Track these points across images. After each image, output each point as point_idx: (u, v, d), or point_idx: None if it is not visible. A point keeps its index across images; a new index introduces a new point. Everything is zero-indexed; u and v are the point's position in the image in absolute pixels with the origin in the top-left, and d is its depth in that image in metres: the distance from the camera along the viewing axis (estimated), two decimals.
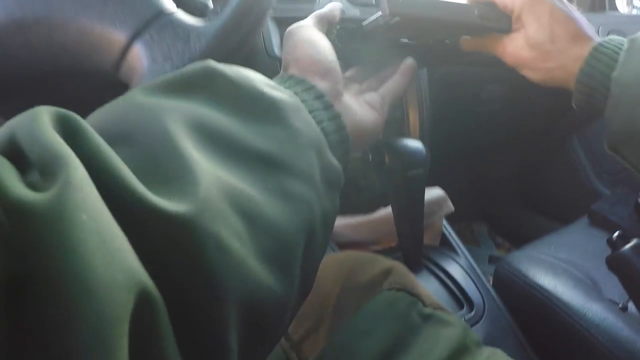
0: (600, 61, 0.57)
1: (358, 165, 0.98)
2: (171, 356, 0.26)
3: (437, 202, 1.02)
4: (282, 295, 0.34)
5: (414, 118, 1.07)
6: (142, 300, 0.24)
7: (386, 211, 1.00)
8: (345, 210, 1.03)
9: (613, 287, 1.00)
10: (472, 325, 0.86)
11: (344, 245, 1.01)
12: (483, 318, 0.88)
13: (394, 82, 0.63)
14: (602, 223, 1.23)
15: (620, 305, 0.94)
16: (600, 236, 1.18)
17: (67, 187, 0.24)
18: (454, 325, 0.61)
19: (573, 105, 0.62)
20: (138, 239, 0.26)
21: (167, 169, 0.31)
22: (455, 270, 0.96)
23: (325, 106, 0.47)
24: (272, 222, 0.34)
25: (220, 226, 0.30)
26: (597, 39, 0.60)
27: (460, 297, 0.91)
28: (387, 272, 0.66)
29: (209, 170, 0.32)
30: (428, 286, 0.90)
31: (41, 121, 0.27)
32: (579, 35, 0.60)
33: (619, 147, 0.57)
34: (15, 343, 0.21)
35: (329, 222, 0.42)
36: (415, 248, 0.93)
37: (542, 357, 0.88)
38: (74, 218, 0.23)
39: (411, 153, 0.87)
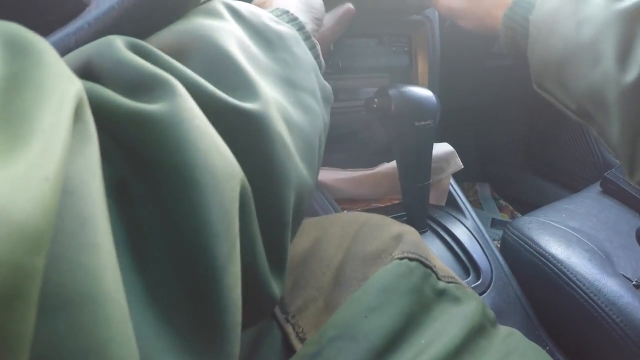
0: (521, 6, 0.65)
1: (360, 114, 0.90)
2: (256, 230, 0.33)
3: (446, 159, 0.94)
4: (311, 185, 0.42)
5: (422, 66, 0.99)
6: (242, 186, 0.30)
7: (389, 166, 0.93)
8: (345, 164, 0.95)
9: (626, 262, 0.93)
10: (479, 295, 0.79)
11: (343, 201, 0.93)
12: (490, 287, 0.81)
13: (329, 30, 0.68)
14: (615, 192, 1.16)
15: (633, 282, 0.87)
16: (612, 205, 1.12)
17: (179, 98, 0.27)
18: (470, 301, 0.54)
19: (503, 48, 0.70)
20: (224, 135, 0.30)
21: (231, 79, 0.35)
22: (461, 233, 0.89)
23: (306, 37, 0.53)
24: (300, 127, 0.41)
25: (280, 126, 0.36)
26: None
27: (467, 263, 0.84)
28: (398, 238, 0.58)
29: (261, 82, 0.37)
30: (433, 249, 0.83)
31: (120, 47, 0.29)
32: None
33: (542, 82, 0.65)
34: (136, 232, 0.25)
35: (326, 131, 0.49)
36: (420, 207, 0.87)
37: (549, 332, 0.82)
38: (190, 122, 0.27)
39: (421, 101, 0.80)
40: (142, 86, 0.28)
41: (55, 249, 0.17)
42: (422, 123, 0.79)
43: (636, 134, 0.52)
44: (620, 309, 0.77)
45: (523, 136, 1.79)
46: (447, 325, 0.50)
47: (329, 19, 0.68)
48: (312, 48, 0.53)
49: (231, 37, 0.39)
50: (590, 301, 0.79)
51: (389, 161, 0.94)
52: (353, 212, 0.69)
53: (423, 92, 0.81)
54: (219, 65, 0.35)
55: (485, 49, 1.29)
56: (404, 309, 0.49)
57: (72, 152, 0.20)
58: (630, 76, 0.51)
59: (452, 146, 0.98)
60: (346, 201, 0.94)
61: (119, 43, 0.30)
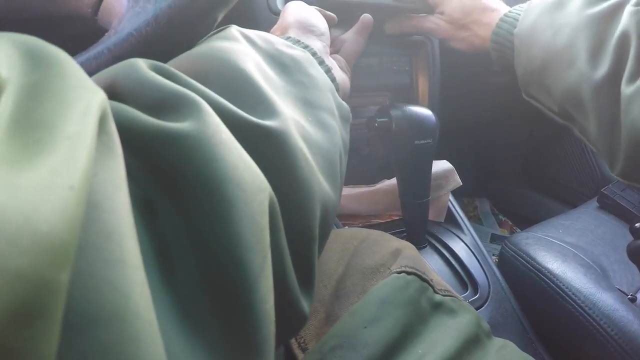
0: (506, 22, 0.72)
1: (361, 132, 0.93)
2: (284, 245, 0.33)
3: (445, 176, 0.97)
4: (335, 200, 0.43)
5: (423, 85, 1.02)
6: (271, 200, 0.30)
7: (390, 183, 0.95)
8: (346, 181, 0.97)
9: (622, 276, 0.95)
10: (476, 309, 0.81)
11: (344, 217, 0.96)
12: (487, 301, 0.83)
13: (352, 42, 0.73)
14: (612, 208, 1.18)
15: (629, 296, 0.89)
16: (609, 221, 1.14)
17: (205, 115, 0.28)
18: (465, 314, 0.56)
19: (493, 64, 0.79)
20: (247, 152, 0.31)
21: (250, 98, 0.36)
22: (460, 249, 0.91)
23: (320, 61, 0.55)
24: (320, 145, 0.42)
25: (300, 143, 0.37)
26: (504, 9, 0.76)
27: (464, 278, 0.86)
28: (396, 253, 0.60)
29: (279, 101, 0.38)
30: (431, 265, 0.86)
31: (143, 69, 0.30)
32: (486, 8, 0.77)
33: (528, 89, 0.71)
34: (164, 248, 0.24)
35: (346, 149, 0.51)
36: (419, 223, 0.89)
37: (545, 346, 0.84)
38: (218, 137, 0.28)
39: (420, 120, 0.82)
40: (168, 105, 0.28)
41: (79, 264, 0.17)
42: (422, 142, 0.82)
43: (611, 126, 0.57)
44: (615, 322, 0.79)
45: (522, 152, 1.80)
46: (443, 336, 0.52)
47: (350, 32, 0.75)
48: (327, 72, 0.55)
49: (248, 58, 0.40)
50: (586, 315, 0.81)
51: (389, 178, 0.96)
52: (353, 228, 0.71)
53: (423, 112, 0.83)
54: (237, 85, 0.36)
55: (485, 66, 1.31)
56: (402, 320, 0.52)
57: (95, 164, 0.19)
58: (600, 72, 0.57)
59: (452, 162, 1.00)
60: (347, 217, 0.96)
61: (141, 64, 0.31)
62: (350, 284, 0.57)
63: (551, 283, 0.87)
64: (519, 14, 0.72)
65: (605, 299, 0.83)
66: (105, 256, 0.18)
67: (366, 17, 0.74)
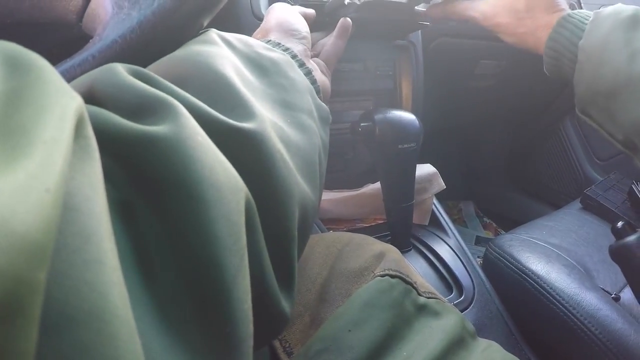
0: (567, 29, 0.65)
1: (345, 136, 0.93)
2: (262, 245, 0.33)
3: (429, 179, 0.97)
4: (314, 201, 0.43)
5: (406, 89, 1.02)
6: (247, 200, 0.31)
7: (374, 187, 0.95)
8: (331, 185, 0.97)
9: (605, 275, 0.96)
10: (461, 311, 0.81)
11: (328, 221, 0.96)
12: (472, 304, 0.83)
13: (331, 45, 0.72)
14: (595, 208, 1.20)
15: (612, 295, 0.90)
16: (592, 221, 1.15)
17: (182, 118, 0.28)
18: (449, 315, 0.56)
19: (545, 70, 0.70)
20: (225, 154, 0.31)
21: (228, 101, 0.36)
22: (444, 251, 0.92)
23: (300, 64, 0.56)
24: (298, 146, 0.42)
25: (278, 145, 0.37)
26: (568, 10, 0.68)
27: (449, 281, 0.86)
28: (380, 257, 0.61)
29: (256, 103, 0.38)
30: (416, 268, 0.86)
31: (122, 73, 0.31)
32: (551, 6, 0.68)
33: (587, 109, 0.65)
34: (143, 250, 0.25)
35: (326, 150, 0.51)
36: (403, 227, 0.89)
37: (531, 347, 0.85)
38: (193, 139, 0.28)
39: (404, 125, 0.83)
40: (145, 109, 0.29)
41: (57, 265, 0.17)
42: (406, 146, 0.82)
43: None
44: (599, 321, 0.80)
45: (506, 155, 1.82)
46: (428, 337, 0.52)
47: (330, 37, 0.74)
48: (307, 74, 0.56)
49: (226, 61, 0.40)
50: (570, 314, 0.82)
51: (374, 182, 0.97)
52: (337, 232, 0.71)
53: (406, 116, 0.84)
54: (215, 88, 0.37)
55: (468, 70, 1.33)
56: (386, 323, 0.52)
57: (73, 168, 0.19)
58: None
59: (437, 165, 1.00)
60: (332, 221, 0.97)
61: (120, 69, 0.31)
62: (334, 288, 0.57)
63: (535, 284, 0.87)
64: (584, 21, 0.64)
65: (589, 299, 0.83)
66: (83, 257, 0.18)
67: (345, 21, 0.74)
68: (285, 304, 0.37)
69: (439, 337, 0.52)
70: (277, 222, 0.36)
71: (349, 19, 0.75)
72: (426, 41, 1.05)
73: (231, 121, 0.33)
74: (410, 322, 0.54)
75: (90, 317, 0.18)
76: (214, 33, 0.46)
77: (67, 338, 0.17)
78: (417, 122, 0.84)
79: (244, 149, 0.34)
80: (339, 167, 1.01)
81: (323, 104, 0.53)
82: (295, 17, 0.64)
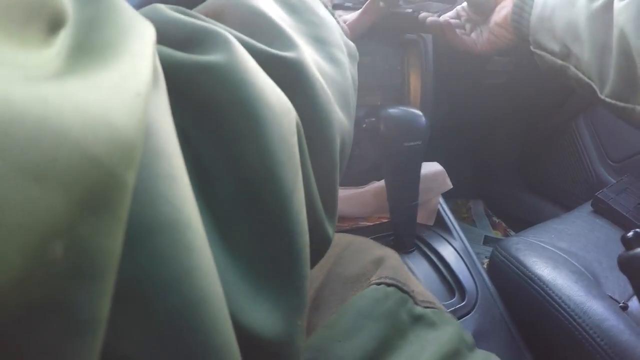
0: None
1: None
2: (309, 168, 0.34)
3: (435, 178, 0.95)
4: (350, 130, 0.44)
5: (415, 84, 1.00)
6: (297, 123, 0.32)
7: (378, 185, 0.93)
8: None
9: (614, 283, 0.93)
10: (463, 316, 0.79)
11: None
12: (475, 308, 0.81)
13: (356, 19, 0.75)
14: (606, 212, 1.16)
15: (620, 304, 0.88)
16: (603, 225, 1.12)
17: (232, 46, 0.29)
18: (446, 327, 0.54)
19: (512, 32, 0.79)
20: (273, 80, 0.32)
21: (268, 33, 0.37)
22: (449, 253, 0.89)
23: (325, 5, 0.55)
24: (333, 78, 0.43)
25: (317, 74, 0.38)
26: None
27: (452, 284, 0.84)
28: (378, 262, 0.59)
29: (295, 36, 0.39)
30: (419, 270, 0.84)
31: (166, 9, 0.31)
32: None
33: (537, 37, 0.73)
34: (201, 170, 0.26)
35: (356, 86, 0.52)
36: (407, 227, 0.87)
37: (534, 355, 0.82)
38: (246, 65, 0.29)
39: (409, 122, 0.81)
40: (194, 40, 0.29)
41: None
42: (411, 143, 0.80)
43: (602, 47, 0.61)
44: (604, 332, 0.77)
45: (517, 154, 1.79)
46: (422, 350, 0.50)
47: (357, 12, 0.76)
48: (332, 15, 0.57)
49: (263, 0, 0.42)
50: (575, 323, 0.79)
51: (378, 180, 0.94)
52: (338, 234, 0.70)
53: (412, 113, 0.82)
54: (254, 21, 0.38)
55: (479, 66, 1.30)
56: (378, 334, 0.50)
57: None
58: (596, 3, 0.62)
59: (446, 162, 0.98)
60: None
61: (162, 6, 0.32)
62: (329, 293, 0.55)
63: (541, 290, 0.85)
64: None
65: (595, 308, 0.81)
66: (156, 172, 0.19)
67: (375, 3, 0.75)
68: (328, 228, 0.38)
69: (432, 350, 0.50)
70: (322, 147, 0.37)
71: (381, 3, 0.76)
72: (435, 38, 1.02)
73: (274, 51, 0.34)
74: (405, 333, 0.52)
75: (166, 228, 0.18)
76: None
77: (145, 248, 0.18)
78: (423, 119, 0.81)
79: (288, 77, 0.34)
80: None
81: (350, 41, 0.55)
82: None
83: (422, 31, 0.94)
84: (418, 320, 0.54)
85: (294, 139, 0.30)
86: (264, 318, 0.25)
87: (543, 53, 0.74)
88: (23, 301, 0.12)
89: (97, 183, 0.14)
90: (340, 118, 0.41)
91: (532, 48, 0.76)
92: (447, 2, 0.91)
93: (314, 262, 0.43)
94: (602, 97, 0.63)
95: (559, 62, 0.72)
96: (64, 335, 0.14)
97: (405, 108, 0.82)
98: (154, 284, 0.18)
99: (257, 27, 0.37)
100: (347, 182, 0.95)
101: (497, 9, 0.80)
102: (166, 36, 0.29)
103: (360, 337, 0.49)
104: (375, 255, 0.60)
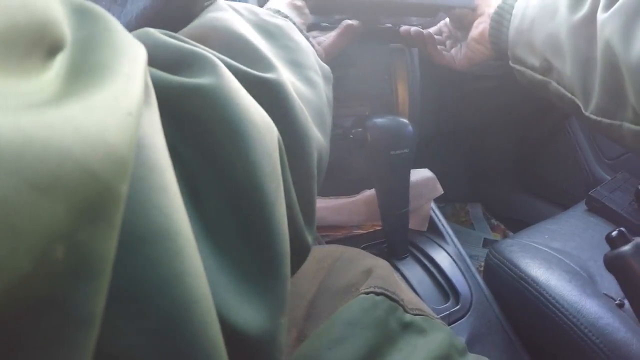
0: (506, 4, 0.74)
1: (341, 142, 0.92)
2: (289, 180, 0.36)
3: (425, 184, 0.95)
4: (326, 146, 0.47)
5: (403, 93, 1.00)
6: (278, 139, 0.34)
7: (370, 193, 0.94)
8: (326, 192, 0.96)
9: (609, 280, 0.93)
10: (457, 320, 0.80)
11: (325, 228, 0.94)
12: (469, 312, 0.82)
13: (330, 42, 0.76)
14: (600, 210, 1.17)
15: (616, 302, 0.88)
16: (598, 224, 1.13)
17: (219, 69, 0.31)
18: (436, 333, 0.55)
19: (490, 45, 0.78)
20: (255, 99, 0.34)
21: (248, 56, 0.39)
22: (442, 258, 0.90)
23: (299, 29, 0.58)
24: (310, 99, 0.45)
25: (295, 94, 0.40)
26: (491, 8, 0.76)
27: (446, 288, 0.85)
28: (368, 272, 0.60)
29: (274, 59, 0.41)
30: (413, 275, 0.84)
31: (155, 33, 0.33)
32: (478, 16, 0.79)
33: (515, 51, 0.72)
34: (191, 181, 0.28)
35: (330, 105, 0.54)
36: (399, 234, 0.88)
37: (531, 356, 0.83)
38: (232, 87, 0.31)
39: (395, 131, 0.81)
40: (182, 63, 0.31)
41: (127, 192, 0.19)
42: (398, 152, 0.81)
43: (585, 63, 0.59)
44: (600, 330, 0.78)
45: (512, 156, 1.80)
46: (411, 356, 0.51)
47: (331, 34, 0.78)
48: (306, 39, 0.59)
49: (240, 23, 0.44)
50: (570, 323, 0.80)
51: (370, 188, 0.95)
52: (329, 246, 0.70)
53: (398, 122, 0.82)
54: (235, 45, 0.40)
55: (469, 73, 1.30)
56: (368, 342, 0.51)
57: None
58: (578, 15, 0.60)
59: (443, 167, 0.99)
60: (328, 228, 0.95)
61: (153, 31, 0.34)
62: (321, 304, 0.56)
63: (534, 291, 0.85)
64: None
65: (590, 306, 0.81)
66: (150, 185, 0.20)
67: (350, 24, 0.77)
68: (308, 236, 0.41)
69: (422, 356, 0.51)
70: (300, 162, 0.39)
71: (354, 23, 0.77)
72: (419, 48, 1.03)
73: (256, 72, 0.37)
74: (395, 341, 0.53)
75: (158, 236, 0.20)
76: (222, 2, 0.49)
77: (140, 255, 0.19)
78: (409, 127, 0.82)
79: (269, 97, 0.37)
80: (334, 174, 1.00)
81: (324, 64, 0.57)
82: (292, 9, 0.69)
83: (404, 43, 0.95)
84: (407, 327, 0.54)
85: (276, 154, 0.32)
86: (250, 316, 0.27)
87: (522, 68, 0.73)
88: (29, 296, 0.14)
89: (94, 195, 0.16)
90: (317, 135, 0.43)
91: (510, 63, 0.75)
92: (426, 16, 0.93)
93: (294, 268, 0.44)
94: (587, 114, 0.61)
95: (539, 77, 0.70)
96: (63, 328, 0.15)
97: (391, 117, 0.83)
98: (148, 287, 0.19)
99: (239, 50, 0.39)
100: (339, 192, 0.96)
101: (475, 24, 0.79)
102: (157, 59, 0.31)
103: (350, 344, 0.50)
104: (366, 265, 0.60)
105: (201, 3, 0.49)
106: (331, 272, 0.60)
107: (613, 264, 0.66)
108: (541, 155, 1.71)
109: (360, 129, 0.80)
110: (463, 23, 0.82)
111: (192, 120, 0.29)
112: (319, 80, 0.51)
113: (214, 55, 0.34)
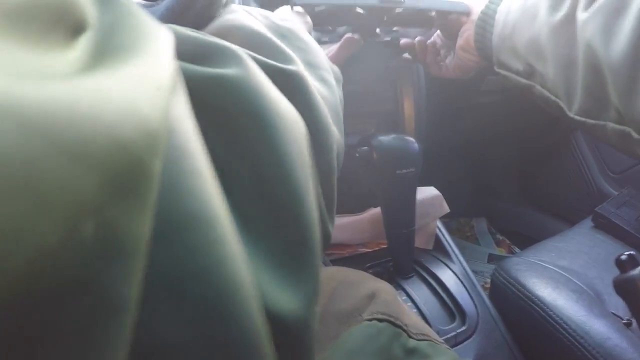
0: (494, 3, 0.74)
1: (346, 159, 0.91)
2: (315, 173, 0.35)
3: (432, 203, 0.95)
4: (342, 143, 0.46)
5: (409, 110, 1.00)
6: (305, 130, 0.34)
7: (375, 211, 0.93)
8: None
9: (617, 299, 0.92)
10: (463, 341, 0.79)
11: (331, 247, 0.94)
12: (476, 332, 0.81)
13: (332, 55, 0.77)
14: (607, 227, 1.16)
15: (624, 321, 0.87)
16: (604, 240, 1.12)
17: (245, 60, 0.31)
18: (441, 357, 0.54)
19: (476, 51, 0.78)
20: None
21: (268, 50, 0.39)
22: (448, 277, 0.89)
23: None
24: (326, 97, 0.45)
25: (314, 87, 0.40)
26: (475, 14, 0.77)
27: (452, 308, 0.84)
28: (371, 297, 0.59)
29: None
30: (418, 295, 0.84)
31: (178, 28, 0.33)
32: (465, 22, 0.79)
33: (500, 57, 0.72)
34: (221, 171, 0.26)
35: (342, 106, 0.53)
36: (405, 253, 0.87)
37: None
38: (259, 79, 0.31)
39: (402, 149, 0.81)
40: (208, 56, 0.31)
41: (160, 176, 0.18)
42: (404, 171, 0.80)
43: (568, 62, 0.59)
44: (607, 351, 0.77)
45: (517, 170, 1.79)
46: None
47: (333, 47, 0.79)
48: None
49: (256, 23, 0.45)
50: (577, 344, 0.79)
51: (375, 206, 0.95)
52: (332, 268, 0.70)
53: (404, 140, 0.82)
54: (256, 40, 0.41)
55: (474, 87, 1.30)
56: None
57: None
58: (558, 15, 0.60)
59: (447, 183, 0.99)
60: (334, 246, 0.95)
61: (176, 26, 0.33)
62: (323, 329, 0.55)
63: (541, 311, 0.85)
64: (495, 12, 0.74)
65: (597, 327, 0.81)
66: (183, 168, 0.20)
67: (352, 37, 0.77)
68: (329, 226, 0.40)
69: None
70: (322, 153, 0.39)
71: (356, 36, 0.77)
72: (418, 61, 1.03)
73: (279, 64, 0.37)
74: None
75: (197, 222, 0.19)
76: (236, 5, 0.50)
77: (176, 242, 0.18)
78: (416, 145, 0.82)
79: (292, 88, 0.37)
80: (340, 191, 0.99)
81: (334, 65, 0.57)
82: (295, 17, 0.70)
83: (410, 55, 0.95)
84: (412, 353, 0.54)
85: (304, 145, 0.33)
86: (287, 303, 0.27)
87: (507, 73, 0.73)
88: (54, 278, 0.13)
89: (126, 168, 0.15)
90: (334, 129, 0.43)
91: (496, 68, 0.75)
92: (422, 27, 0.93)
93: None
94: (571, 115, 0.61)
95: (524, 81, 0.70)
96: (94, 314, 0.14)
97: (397, 135, 0.83)
98: (188, 275, 0.19)
99: (260, 45, 0.40)
100: (344, 210, 0.95)
101: (461, 32, 0.79)
102: (181, 52, 0.30)
103: None
104: (369, 289, 0.60)
105: (220, 3, 0.50)
106: (334, 295, 0.60)
107: (623, 288, 0.66)
108: (546, 169, 1.70)
109: (366, 147, 0.80)
110: (452, 31, 0.82)
111: (219, 111, 0.28)
112: (332, 80, 0.50)
113: (238, 48, 0.34)
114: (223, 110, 0.28)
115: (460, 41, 0.79)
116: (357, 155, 0.80)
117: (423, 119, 1.01)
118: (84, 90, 0.15)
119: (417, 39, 0.87)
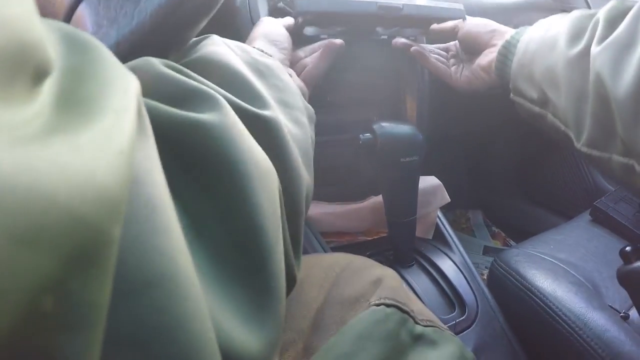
0: (519, 33, 0.76)
1: (348, 147, 0.91)
2: (284, 220, 0.36)
3: (433, 192, 0.95)
4: (311, 184, 0.48)
5: (411, 98, 1.00)
6: (277, 180, 0.35)
7: (376, 199, 0.93)
8: (332, 198, 0.95)
9: (614, 292, 0.93)
10: (463, 330, 0.79)
11: (330, 234, 0.94)
12: (475, 322, 0.81)
13: (313, 67, 0.74)
14: (605, 221, 1.16)
15: (621, 314, 0.87)
16: (602, 235, 1.12)
17: (224, 108, 0.31)
18: (447, 345, 0.54)
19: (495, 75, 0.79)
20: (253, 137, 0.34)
21: (247, 92, 0.40)
22: (448, 267, 0.89)
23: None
24: (298, 138, 0.46)
25: (287, 132, 0.41)
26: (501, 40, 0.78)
27: (452, 298, 0.84)
28: (377, 283, 0.58)
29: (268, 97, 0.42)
30: (418, 284, 0.84)
31: (158, 65, 0.33)
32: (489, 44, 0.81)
33: (516, 84, 0.73)
34: (194, 221, 0.27)
35: (313, 145, 0.55)
36: (406, 242, 0.87)
37: None
38: (236, 127, 0.31)
39: (406, 138, 0.81)
40: (187, 98, 0.31)
41: (128, 233, 0.18)
42: (408, 159, 0.80)
43: (578, 96, 0.60)
44: (606, 343, 0.77)
45: (515, 163, 1.79)
46: None
47: (313, 57, 0.76)
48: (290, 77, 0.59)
49: (236, 60, 0.45)
50: (576, 335, 0.79)
51: (376, 195, 0.95)
52: (336, 254, 0.69)
53: (409, 129, 0.82)
54: (234, 81, 0.41)
55: (466, 93, 1.30)
56: (379, 356, 0.50)
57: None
58: (575, 49, 0.61)
59: (445, 174, 0.98)
60: (333, 234, 0.95)
61: (155, 61, 0.34)
62: (329, 315, 0.55)
63: (541, 303, 0.85)
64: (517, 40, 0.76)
65: (596, 319, 0.81)
66: (151, 226, 0.20)
67: (331, 43, 0.75)
68: (296, 269, 0.41)
69: None
70: (292, 199, 0.40)
71: (336, 41, 0.75)
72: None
73: (255, 109, 0.37)
74: (406, 353, 0.52)
75: (163, 280, 0.19)
76: (217, 38, 0.49)
77: (143, 300, 0.18)
78: (419, 134, 0.82)
79: (266, 134, 0.37)
80: (341, 179, 0.99)
81: (309, 105, 0.58)
82: (279, 29, 0.71)
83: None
84: (418, 339, 0.54)
85: (277, 195, 0.33)
86: (251, 349, 0.27)
87: (522, 100, 0.74)
88: (17, 351, 0.13)
89: (85, 241, 0.15)
90: (304, 173, 0.44)
91: (511, 96, 0.76)
92: (419, 28, 0.92)
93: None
94: (579, 146, 0.62)
95: (537, 109, 0.71)
96: None
97: (401, 124, 0.82)
98: (153, 334, 0.19)
99: (238, 87, 0.40)
100: (345, 198, 0.95)
101: (485, 52, 0.80)
102: (158, 91, 0.31)
103: (361, 359, 0.49)
104: (374, 275, 0.59)
105: (215, 6, 0.49)
106: (339, 281, 0.59)
107: (627, 279, 0.66)
108: (543, 163, 1.70)
109: (369, 135, 0.79)
110: (474, 48, 0.83)
111: (194, 154, 0.29)
112: (305, 120, 0.51)
113: (217, 91, 0.34)
114: (198, 155, 0.29)
115: (482, 60, 0.80)
116: (361, 142, 0.80)
117: (425, 109, 1.01)
118: (40, 165, 0.14)
119: (400, 40, 0.88)
